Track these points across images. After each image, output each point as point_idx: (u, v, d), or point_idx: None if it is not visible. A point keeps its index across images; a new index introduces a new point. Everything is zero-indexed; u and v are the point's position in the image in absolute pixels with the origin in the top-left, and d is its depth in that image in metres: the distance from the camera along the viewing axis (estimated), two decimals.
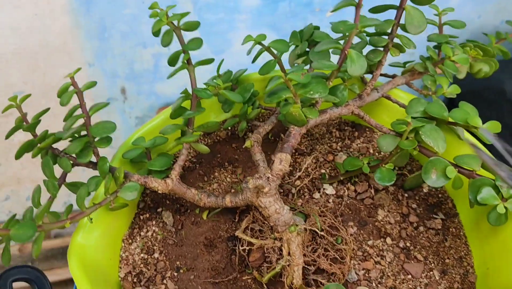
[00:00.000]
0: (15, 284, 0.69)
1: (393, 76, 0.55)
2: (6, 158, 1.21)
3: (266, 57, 0.53)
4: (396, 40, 0.50)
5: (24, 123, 0.49)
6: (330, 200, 0.51)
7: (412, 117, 0.46)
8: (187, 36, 0.49)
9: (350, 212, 0.51)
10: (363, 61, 0.46)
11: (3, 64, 1.08)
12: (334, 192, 0.52)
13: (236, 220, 0.49)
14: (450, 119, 0.47)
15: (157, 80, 1.22)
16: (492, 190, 0.44)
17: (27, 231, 0.38)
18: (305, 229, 0.45)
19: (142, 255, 0.47)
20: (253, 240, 0.46)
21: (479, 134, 0.48)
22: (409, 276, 0.47)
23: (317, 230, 0.46)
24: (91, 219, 0.43)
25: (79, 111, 0.46)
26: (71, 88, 0.46)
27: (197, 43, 0.48)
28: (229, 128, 0.57)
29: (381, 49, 0.50)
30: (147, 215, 0.50)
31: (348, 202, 0.51)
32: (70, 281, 1.33)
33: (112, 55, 1.16)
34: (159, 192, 0.46)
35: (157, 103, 1.26)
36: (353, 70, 0.45)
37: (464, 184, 0.46)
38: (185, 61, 0.48)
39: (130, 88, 1.20)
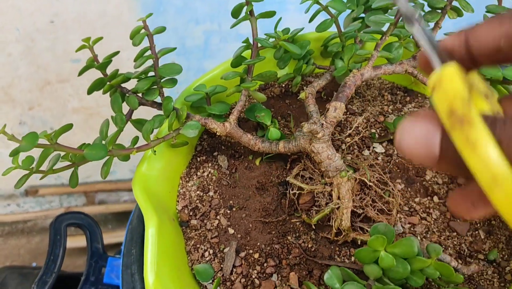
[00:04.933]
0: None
1: None
2: (59, 123, 1.27)
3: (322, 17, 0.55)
4: (455, 3, 0.51)
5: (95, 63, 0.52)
6: (379, 158, 0.53)
7: None
8: None
9: (398, 170, 0.52)
10: None
11: (64, 31, 1.13)
12: (383, 151, 0.53)
13: (287, 168, 0.51)
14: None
15: (206, 57, 1.25)
16: None
17: (99, 152, 0.42)
18: (355, 179, 0.47)
19: (198, 192, 0.50)
20: (303, 185, 0.48)
21: None
22: (454, 234, 0.48)
23: (366, 180, 0.47)
24: (155, 151, 0.46)
25: (148, 53, 0.49)
26: (143, 31, 0.49)
27: None
28: (283, 85, 0.59)
29: (439, 11, 0.51)
30: (204, 158, 0.53)
31: (397, 160, 0.53)
32: (111, 247, 1.38)
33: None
34: (217, 133, 0.48)
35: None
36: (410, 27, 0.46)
37: None
38: (248, 12, 0.50)
39: (179, 64, 1.24)
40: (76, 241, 1.26)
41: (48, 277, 0.68)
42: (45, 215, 1.43)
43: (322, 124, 0.45)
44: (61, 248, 0.71)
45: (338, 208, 0.45)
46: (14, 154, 0.41)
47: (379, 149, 0.54)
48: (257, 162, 0.52)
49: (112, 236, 1.38)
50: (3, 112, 1.23)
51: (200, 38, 1.21)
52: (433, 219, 0.49)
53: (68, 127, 0.43)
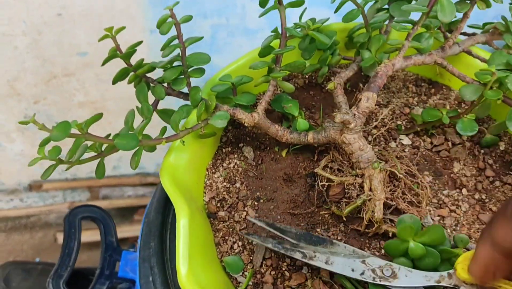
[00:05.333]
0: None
1: (473, 35, 0.56)
2: (64, 117, 1.26)
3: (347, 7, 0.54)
4: None
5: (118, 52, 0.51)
6: (406, 150, 0.52)
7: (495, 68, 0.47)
8: None
9: (425, 162, 0.52)
10: (453, 7, 0.46)
11: (70, 24, 1.12)
12: (410, 143, 0.53)
13: (315, 159, 0.51)
14: None
15: (213, 52, 1.24)
16: None
17: (130, 142, 0.41)
18: (386, 170, 0.46)
19: (224, 183, 0.49)
20: (333, 177, 0.47)
21: None
22: (484, 226, 0.48)
23: (396, 172, 0.47)
24: (183, 141, 0.45)
25: (175, 42, 0.48)
26: (170, 19, 0.48)
27: None
28: (306, 76, 0.59)
29: (468, 1, 0.51)
30: (229, 149, 0.52)
31: (424, 152, 0.52)
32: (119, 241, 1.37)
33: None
34: (245, 124, 0.48)
35: (211, 75, 1.29)
36: (443, 16, 0.46)
37: None
38: (277, 1, 0.49)
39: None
40: (85, 235, 1.25)
41: (63, 271, 0.67)
42: (49, 210, 1.42)
43: (354, 114, 0.45)
44: (75, 241, 0.70)
45: (369, 200, 0.45)
46: (45, 143, 0.40)
47: (406, 140, 0.53)
48: (283, 153, 0.51)
49: (117, 232, 1.37)
50: (9, 106, 1.21)
51: (207, 32, 1.20)
52: (462, 212, 0.48)
53: (98, 117, 0.42)
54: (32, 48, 1.14)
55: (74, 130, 0.40)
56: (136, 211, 1.49)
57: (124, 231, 1.39)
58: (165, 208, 0.60)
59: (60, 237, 1.37)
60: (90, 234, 1.25)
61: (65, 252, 0.69)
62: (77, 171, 1.41)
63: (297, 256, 0.41)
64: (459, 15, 0.52)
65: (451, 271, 0.38)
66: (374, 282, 0.39)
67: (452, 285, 0.37)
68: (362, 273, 0.40)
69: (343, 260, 0.40)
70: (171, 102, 0.62)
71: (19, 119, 1.24)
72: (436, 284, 0.38)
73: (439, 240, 0.39)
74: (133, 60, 0.51)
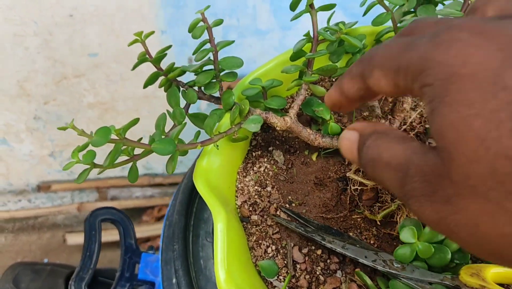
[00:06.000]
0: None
1: None
2: (74, 117, 1.26)
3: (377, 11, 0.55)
4: None
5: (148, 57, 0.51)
6: None
7: None
8: None
9: None
10: None
11: (81, 24, 1.12)
12: None
13: (346, 163, 0.51)
14: None
15: (224, 53, 1.24)
16: None
17: (168, 147, 0.41)
18: None
19: (256, 187, 0.49)
20: (366, 181, 0.47)
21: None
22: None
23: None
24: (217, 145, 0.45)
25: (207, 46, 0.48)
26: (201, 23, 0.48)
27: None
28: (333, 79, 0.59)
29: None
30: (259, 152, 0.52)
31: None
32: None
33: (184, 23, 1.18)
34: (277, 128, 0.48)
35: None
36: None
37: None
38: (309, 5, 0.49)
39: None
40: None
41: (85, 273, 0.67)
42: (57, 211, 1.41)
43: (390, 119, 0.45)
44: (96, 243, 0.70)
45: (404, 204, 0.45)
46: (81, 149, 0.40)
47: (434, 144, 0.53)
48: (314, 157, 0.51)
49: None
50: (19, 106, 1.21)
51: (218, 33, 1.20)
52: None
53: (135, 121, 0.42)
54: (43, 48, 1.13)
55: (113, 136, 0.39)
56: (144, 211, 1.49)
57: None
58: (188, 210, 0.60)
59: (69, 238, 1.36)
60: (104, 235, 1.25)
61: (86, 255, 0.69)
62: None
63: (317, 238, 0.44)
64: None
65: (454, 275, 0.40)
66: (384, 269, 0.41)
67: (454, 285, 0.39)
68: (374, 261, 0.42)
69: (358, 249, 0.43)
70: (198, 106, 0.61)
71: (29, 120, 1.24)
72: (439, 281, 0.40)
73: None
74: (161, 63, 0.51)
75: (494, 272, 0.39)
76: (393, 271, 0.41)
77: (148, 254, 0.75)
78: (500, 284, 0.39)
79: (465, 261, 0.42)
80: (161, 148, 0.41)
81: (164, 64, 0.49)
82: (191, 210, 0.61)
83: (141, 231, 1.39)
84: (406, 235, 0.41)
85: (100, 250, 0.71)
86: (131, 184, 1.47)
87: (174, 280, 0.57)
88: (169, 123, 0.49)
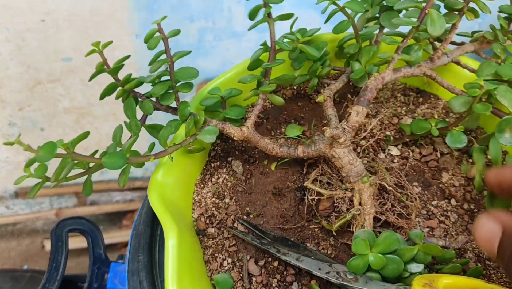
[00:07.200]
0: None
1: (462, 44, 0.56)
2: (49, 123, 1.25)
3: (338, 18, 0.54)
4: (471, 4, 0.50)
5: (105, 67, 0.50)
6: (395, 160, 0.52)
7: (484, 80, 0.47)
8: None
9: (414, 173, 0.52)
10: (443, 21, 0.46)
11: (54, 29, 1.10)
12: (399, 153, 0.53)
13: (304, 172, 0.51)
14: None
15: (200, 56, 1.24)
16: None
17: (118, 161, 0.40)
18: (376, 183, 0.46)
19: (213, 199, 0.49)
20: (322, 191, 0.47)
21: None
22: (473, 237, 0.48)
23: (386, 184, 0.47)
24: (172, 158, 0.45)
25: (163, 57, 0.47)
26: (157, 34, 0.47)
27: None
28: (295, 87, 0.58)
29: (456, 12, 0.51)
30: (218, 163, 0.51)
31: (413, 163, 0.52)
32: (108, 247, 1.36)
33: None
34: (234, 138, 0.47)
35: (197, 79, 1.28)
36: (433, 30, 0.46)
37: None
38: (266, 15, 0.49)
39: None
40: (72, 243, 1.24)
41: (51, 285, 0.66)
42: (36, 217, 1.40)
43: (344, 128, 0.45)
44: (63, 254, 0.69)
45: (359, 214, 0.45)
46: (30, 164, 0.39)
47: (395, 151, 0.53)
48: (273, 167, 0.51)
49: (105, 237, 1.35)
50: None
51: (194, 36, 1.19)
52: (451, 222, 0.49)
53: (84, 135, 0.41)
54: (16, 54, 1.12)
55: (60, 150, 0.39)
56: (124, 215, 1.48)
57: (113, 236, 1.38)
58: (154, 220, 0.59)
59: (48, 244, 1.35)
60: (79, 241, 1.24)
61: (53, 266, 0.68)
62: None
63: (272, 250, 0.44)
64: (448, 25, 0.52)
65: (407, 286, 0.40)
66: (337, 281, 0.41)
67: None
68: (328, 273, 0.42)
69: (312, 261, 0.43)
70: (160, 118, 0.61)
71: (4, 126, 1.22)
72: None
73: (394, 245, 0.41)
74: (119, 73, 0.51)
75: (446, 282, 0.39)
76: (346, 283, 0.40)
77: (117, 264, 0.74)
78: None
79: (419, 271, 0.42)
80: (111, 162, 0.40)
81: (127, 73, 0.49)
82: (157, 220, 0.61)
83: (122, 235, 1.38)
84: (358, 246, 0.40)
85: (67, 261, 0.70)
86: (111, 188, 1.46)
87: None
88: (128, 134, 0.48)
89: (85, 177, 0.46)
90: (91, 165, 0.45)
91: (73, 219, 0.74)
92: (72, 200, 1.45)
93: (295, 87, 0.58)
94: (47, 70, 1.16)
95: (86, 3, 1.08)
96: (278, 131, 0.54)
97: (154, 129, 0.48)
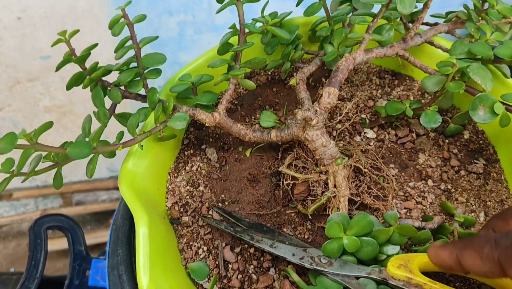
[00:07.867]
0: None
1: (435, 25, 0.55)
2: (30, 123, 1.23)
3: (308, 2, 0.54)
4: None
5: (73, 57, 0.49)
6: (371, 143, 0.52)
7: (456, 58, 0.46)
8: None
9: (391, 155, 0.51)
10: None
11: (31, 27, 1.08)
12: (374, 136, 0.52)
13: (279, 158, 0.50)
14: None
15: (181, 49, 1.22)
16: None
17: (83, 150, 0.39)
18: (350, 165, 0.46)
19: (187, 187, 0.48)
20: (297, 175, 0.46)
21: None
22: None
23: (361, 167, 0.46)
24: (142, 146, 0.44)
25: (129, 43, 0.46)
26: (122, 20, 0.46)
27: None
28: (269, 73, 0.58)
29: None
30: (191, 151, 0.51)
31: (389, 145, 0.52)
32: (92, 248, 1.35)
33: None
34: (206, 124, 0.46)
35: None
36: (402, 7, 0.45)
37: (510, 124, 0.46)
38: None
39: None
40: (55, 244, 1.23)
41: (30, 283, 0.65)
42: (21, 219, 1.38)
43: (316, 110, 0.44)
44: (42, 252, 0.68)
45: (334, 197, 0.44)
46: None
47: (371, 134, 0.53)
48: (247, 153, 0.50)
49: (92, 237, 1.34)
50: None
51: (174, 30, 1.18)
52: (428, 203, 0.48)
53: (48, 125, 0.40)
54: None
55: (22, 141, 0.38)
56: (111, 215, 1.46)
57: (100, 236, 1.37)
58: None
59: None
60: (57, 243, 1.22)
61: (32, 264, 0.66)
62: (47, 177, 1.38)
63: (246, 238, 0.43)
64: (420, 5, 0.51)
65: (382, 268, 0.39)
66: (311, 266, 0.40)
67: (381, 278, 0.38)
68: (302, 258, 0.41)
69: (286, 246, 0.42)
70: (134, 106, 0.59)
71: None
72: (366, 275, 0.39)
73: (368, 227, 0.40)
74: (101, 62, 0.49)
75: (423, 261, 0.39)
76: (319, 268, 0.40)
77: (99, 260, 0.73)
78: (429, 273, 0.39)
79: (396, 253, 0.41)
80: (76, 151, 0.39)
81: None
82: None
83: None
84: (332, 229, 0.40)
85: (47, 258, 0.68)
86: (97, 187, 1.44)
87: (120, 286, 0.56)
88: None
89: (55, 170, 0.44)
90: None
91: (51, 216, 0.73)
92: (57, 200, 1.43)
93: (269, 73, 0.58)
94: (25, 69, 1.14)
95: None
96: (252, 117, 0.54)
97: (123, 118, 0.47)
